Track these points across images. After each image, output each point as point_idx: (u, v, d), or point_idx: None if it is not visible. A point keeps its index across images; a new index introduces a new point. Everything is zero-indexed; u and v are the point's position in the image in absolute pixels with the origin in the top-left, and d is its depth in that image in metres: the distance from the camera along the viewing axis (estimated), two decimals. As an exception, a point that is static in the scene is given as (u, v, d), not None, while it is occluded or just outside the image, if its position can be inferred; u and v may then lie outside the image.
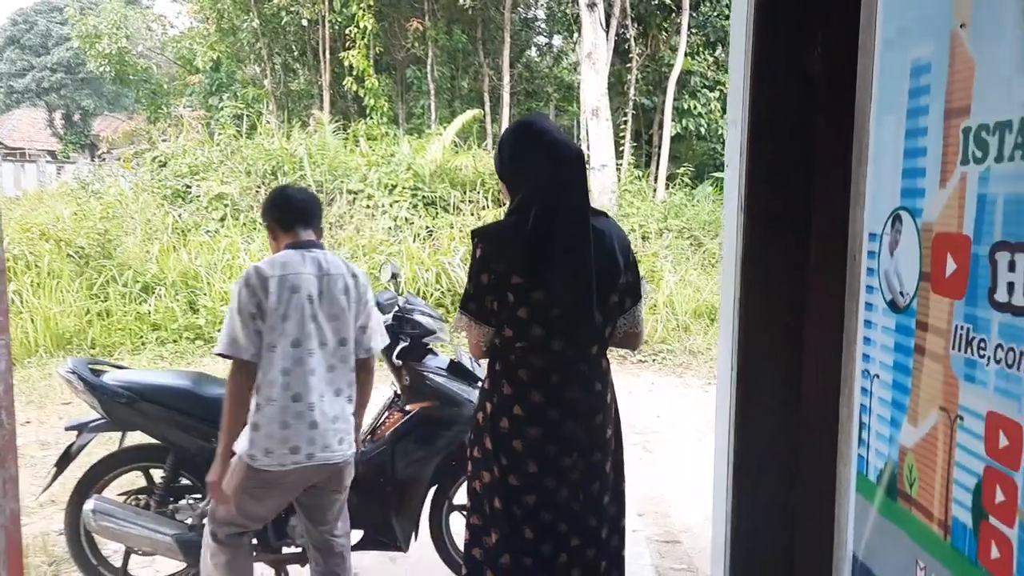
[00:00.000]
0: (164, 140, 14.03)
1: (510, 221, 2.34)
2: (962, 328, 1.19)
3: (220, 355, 2.78)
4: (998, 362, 1.11)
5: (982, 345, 1.15)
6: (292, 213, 2.94)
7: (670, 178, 15.27)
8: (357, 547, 3.54)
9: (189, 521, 3.41)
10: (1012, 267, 1.08)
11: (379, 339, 3.05)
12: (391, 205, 11.31)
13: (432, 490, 3.62)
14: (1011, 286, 1.08)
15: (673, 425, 6.61)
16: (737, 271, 2.40)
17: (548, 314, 2.28)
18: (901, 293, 1.39)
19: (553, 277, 2.27)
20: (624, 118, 15.87)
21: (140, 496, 3.51)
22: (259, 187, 11.69)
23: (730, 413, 2.43)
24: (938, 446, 1.26)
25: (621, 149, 15.42)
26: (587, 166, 2.36)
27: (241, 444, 2.82)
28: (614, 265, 2.36)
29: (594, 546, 2.41)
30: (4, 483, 3.07)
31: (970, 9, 1.18)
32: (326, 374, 2.83)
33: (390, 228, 10.93)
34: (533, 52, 22.03)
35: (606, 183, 12.56)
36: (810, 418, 2.15)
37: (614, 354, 8.73)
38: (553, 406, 2.31)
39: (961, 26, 1.20)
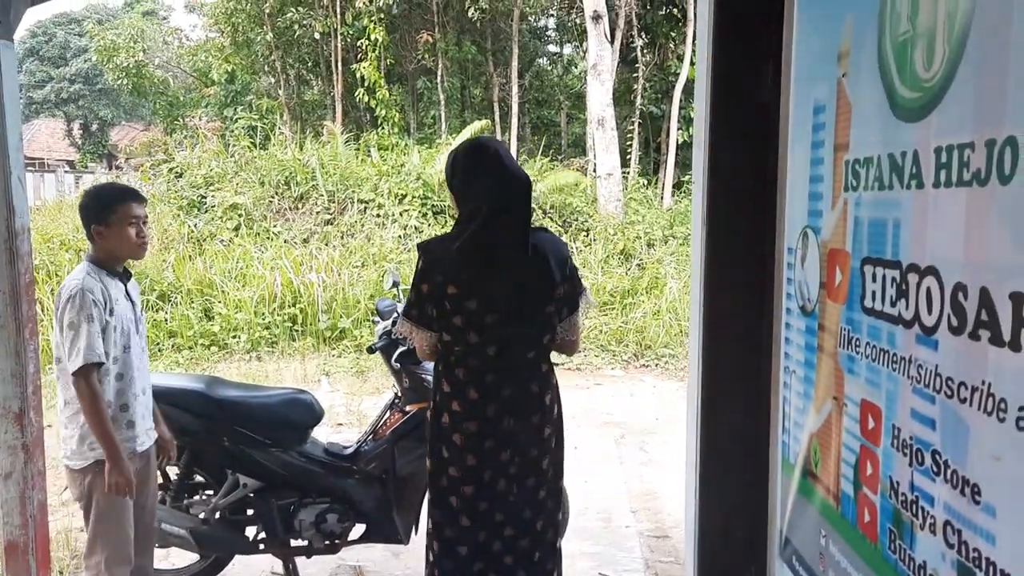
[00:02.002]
0: (181, 151, 14.32)
1: (450, 236, 2.55)
2: (845, 329, 1.42)
3: None
4: (867, 357, 1.33)
5: (857, 343, 1.37)
6: None
7: (677, 186, 15.44)
8: (360, 540, 3.77)
9: (202, 515, 3.62)
10: (874, 278, 1.30)
11: (73, 360, 2.72)
12: (401, 214, 11.57)
13: (430, 486, 3.84)
14: (873, 294, 1.30)
15: (671, 426, 6.79)
16: (702, 278, 2.62)
17: (482, 322, 2.48)
18: (808, 300, 1.61)
19: (485, 289, 2.47)
20: (632, 126, 16.09)
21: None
22: (272, 197, 11.96)
23: (697, 407, 2.65)
24: (832, 430, 1.48)
25: (628, 157, 15.64)
26: (532, 192, 2.57)
27: None
28: (548, 278, 2.53)
29: (528, 536, 2.62)
30: (33, 477, 3.34)
31: (848, 62, 1.40)
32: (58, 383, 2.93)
33: (400, 237, 11.19)
34: (543, 61, 22.29)
35: (612, 191, 12.77)
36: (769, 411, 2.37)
37: (621, 359, 8.98)
38: (490, 403, 2.52)
39: (843, 75, 1.42)
